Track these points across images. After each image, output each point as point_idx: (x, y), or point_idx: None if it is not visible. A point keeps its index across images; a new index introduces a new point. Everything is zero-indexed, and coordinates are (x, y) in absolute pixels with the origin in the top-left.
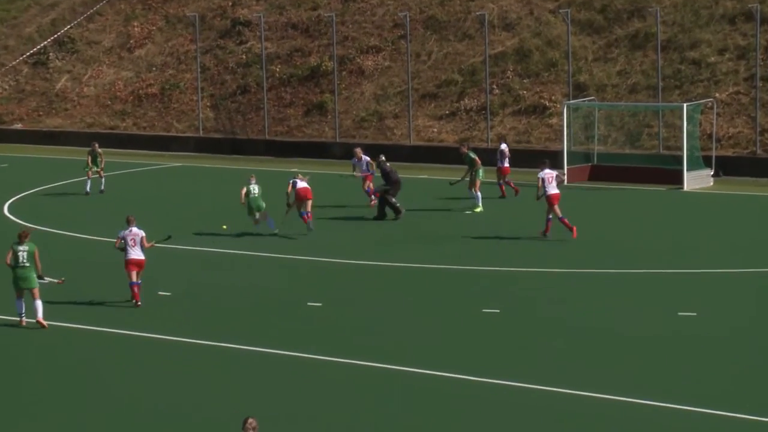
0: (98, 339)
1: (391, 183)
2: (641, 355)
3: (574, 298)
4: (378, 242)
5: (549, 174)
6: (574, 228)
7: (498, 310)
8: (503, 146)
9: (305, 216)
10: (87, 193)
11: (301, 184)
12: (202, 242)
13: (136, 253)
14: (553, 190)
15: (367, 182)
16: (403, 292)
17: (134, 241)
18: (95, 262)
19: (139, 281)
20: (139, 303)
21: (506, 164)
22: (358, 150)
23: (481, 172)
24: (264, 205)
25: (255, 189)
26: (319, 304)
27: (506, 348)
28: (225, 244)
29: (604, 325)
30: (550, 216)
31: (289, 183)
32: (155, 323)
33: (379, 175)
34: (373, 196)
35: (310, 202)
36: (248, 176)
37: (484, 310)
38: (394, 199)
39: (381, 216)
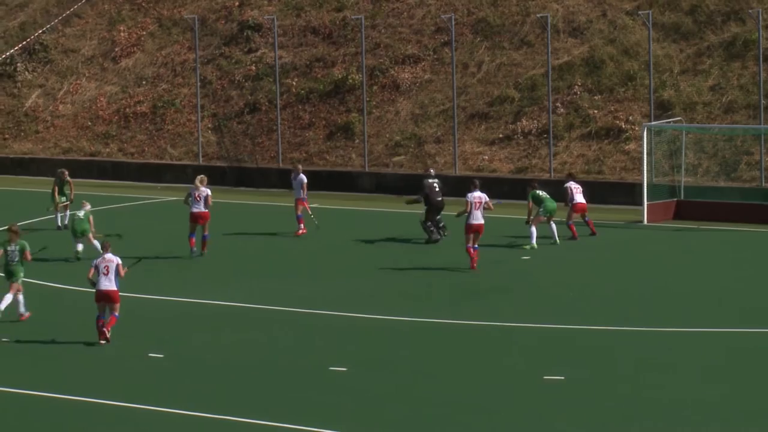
0: (72, 411)
1: (428, 204)
2: None
3: (661, 364)
4: (414, 293)
5: (477, 198)
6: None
7: (563, 377)
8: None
9: (192, 239)
10: (59, 228)
11: (197, 207)
12: (201, 293)
13: (107, 284)
14: (477, 219)
15: (301, 207)
16: (446, 354)
17: (108, 269)
18: (52, 312)
19: (116, 313)
20: (107, 340)
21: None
22: (299, 166)
23: (547, 206)
24: (87, 228)
25: (81, 213)
26: (344, 369)
27: (575, 428)
28: (228, 296)
29: (693, 396)
30: (470, 244)
31: (188, 195)
32: (147, 392)
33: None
34: (301, 226)
35: (207, 224)
36: (82, 202)
37: (545, 377)
38: (428, 223)
39: (432, 239)
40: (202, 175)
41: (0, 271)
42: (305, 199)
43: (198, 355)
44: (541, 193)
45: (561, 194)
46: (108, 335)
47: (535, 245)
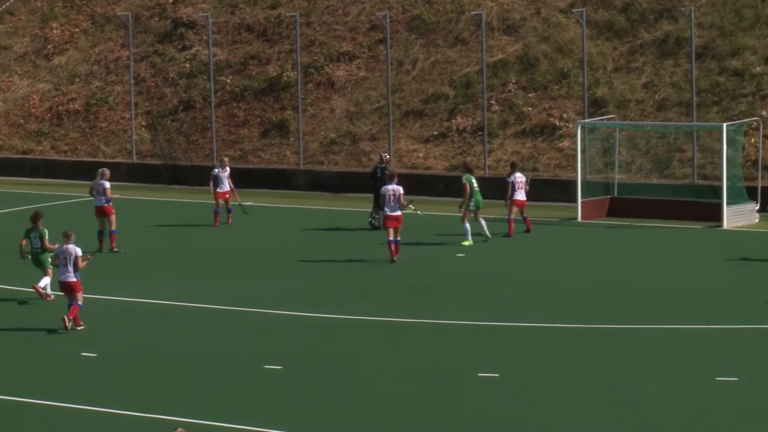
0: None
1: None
2: (673, 430)
3: (590, 360)
4: (349, 291)
5: (391, 191)
6: (396, 254)
7: (497, 375)
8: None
9: (101, 236)
10: None
11: (100, 201)
12: (135, 291)
13: (65, 275)
14: (391, 211)
15: (229, 198)
16: (381, 352)
17: (66, 261)
18: None
19: (80, 303)
20: (81, 325)
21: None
22: (226, 159)
23: (477, 200)
24: None
25: None
26: (279, 367)
27: (509, 425)
28: (162, 294)
29: (627, 393)
30: (390, 239)
31: (91, 188)
32: (78, 391)
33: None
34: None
35: (111, 218)
36: None
37: (480, 375)
38: (373, 211)
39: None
40: (103, 168)
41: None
42: (234, 190)
43: (131, 354)
44: (474, 181)
45: (500, 189)
46: (68, 324)
47: (472, 242)
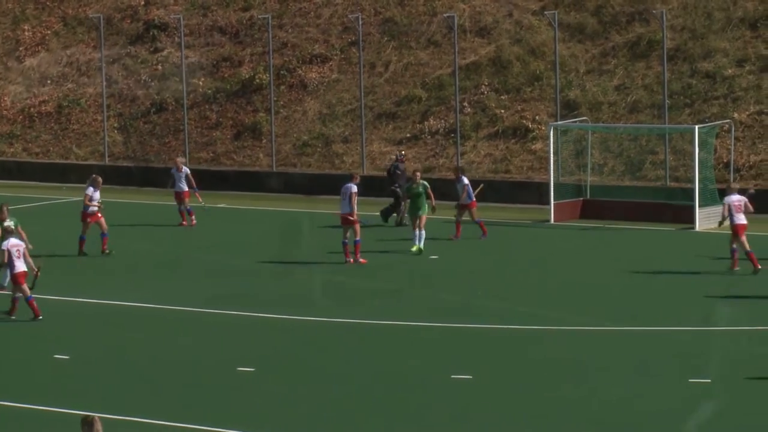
0: None
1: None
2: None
3: (563, 361)
4: (322, 293)
5: (344, 190)
6: (355, 255)
7: (470, 376)
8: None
9: (83, 241)
10: None
11: (84, 207)
12: (107, 293)
13: (22, 266)
14: (343, 210)
15: (186, 200)
16: (355, 354)
17: (19, 252)
18: None
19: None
20: (39, 316)
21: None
22: (179, 159)
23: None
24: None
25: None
26: (252, 369)
27: (483, 427)
28: (134, 296)
29: (600, 394)
30: (346, 240)
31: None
32: (51, 393)
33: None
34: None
35: (90, 224)
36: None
37: (453, 377)
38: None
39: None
40: (94, 174)
41: None
42: (197, 190)
43: (105, 356)
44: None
45: (455, 192)
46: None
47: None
